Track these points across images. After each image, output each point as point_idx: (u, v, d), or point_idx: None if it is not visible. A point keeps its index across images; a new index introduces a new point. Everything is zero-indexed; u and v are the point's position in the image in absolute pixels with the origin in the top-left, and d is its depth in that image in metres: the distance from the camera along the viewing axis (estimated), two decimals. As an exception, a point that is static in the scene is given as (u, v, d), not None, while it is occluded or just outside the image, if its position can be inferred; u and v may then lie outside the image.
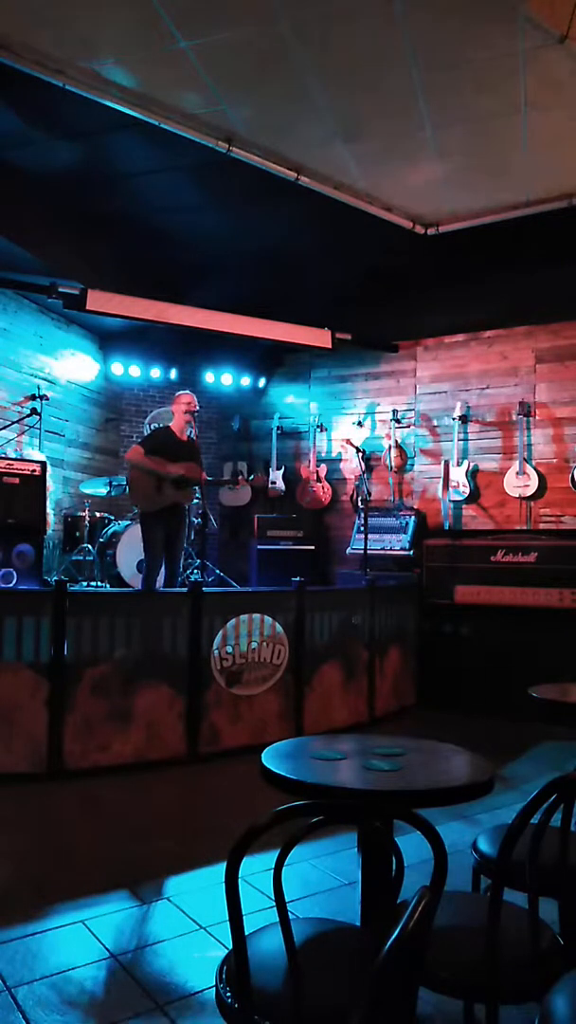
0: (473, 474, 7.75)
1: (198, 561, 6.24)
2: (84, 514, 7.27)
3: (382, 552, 7.46)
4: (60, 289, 6.57)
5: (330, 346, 7.75)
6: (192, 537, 7.43)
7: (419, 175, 5.60)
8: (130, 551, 7.03)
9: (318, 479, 8.53)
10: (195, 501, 6.22)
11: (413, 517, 7.67)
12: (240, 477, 6.43)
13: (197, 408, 6.11)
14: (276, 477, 8.65)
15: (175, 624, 4.80)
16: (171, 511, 5.92)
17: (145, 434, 8.65)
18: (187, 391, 6.23)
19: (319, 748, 2.27)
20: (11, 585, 6.12)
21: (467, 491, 7.69)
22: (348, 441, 8.13)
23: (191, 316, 7.25)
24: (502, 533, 6.85)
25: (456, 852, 2.44)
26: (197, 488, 6.01)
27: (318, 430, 8.65)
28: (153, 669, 4.69)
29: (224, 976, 1.57)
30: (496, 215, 6.07)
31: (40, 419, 7.25)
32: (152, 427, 8.76)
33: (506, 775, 4.58)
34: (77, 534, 7.29)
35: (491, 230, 6.23)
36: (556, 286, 7.29)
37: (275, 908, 1.41)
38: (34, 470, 6.48)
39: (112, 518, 7.56)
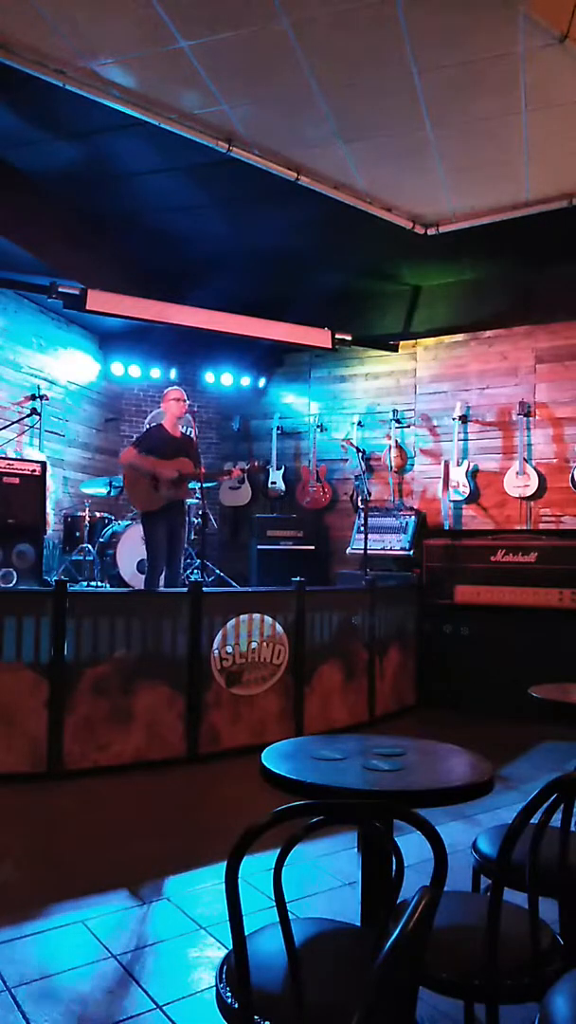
0: (473, 474, 7.75)
1: (198, 561, 6.25)
2: (84, 514, 7.27)
3: (382, 552, 7.46)
4: (60, 289, 6.56)
5: (330, 346, 7.75)
6: (192, 537, 7.43)
7: (419, 175, 5.60)
8: (130, 551, 7.03)
9: (318, 479, 8.53)
10: (195, 500, 6.23)
11: (413, 517, 7.67)
12: (236, 468, 6.42)
13: (187, 401, 6.16)
14: (276, 477, 8.65)
15: (175, 624, 4.80)
16: (171, 509, 5.94)
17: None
18: (175, 387, 6.24)
19: (319, 748, 2.27)
20: (11, 585, 6.12)
21: (467, 491, 7.69)
22: (348, 441, 8.13)
23: (191, 316, 7.24)
24: (502, 533, 6.85)
25: (456, 852, 2.44)
26: (196, 484, 6.02)
27: (318, 430, 8.65)
28: (153, 669, 4.69)
29: (224, 976, 1.57)
30: (496, 215, 6.07)
31: (40, 419, 7.26)
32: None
33: (506, 775, 4.58)
34: (77, 534, 7.29)
35: (491, 230, 6.23)
36: (556, 286, 7.29)
37: (275, 908, 1.41)
38: (34, 470, 6.48)
39: (112, 518, 7.56)
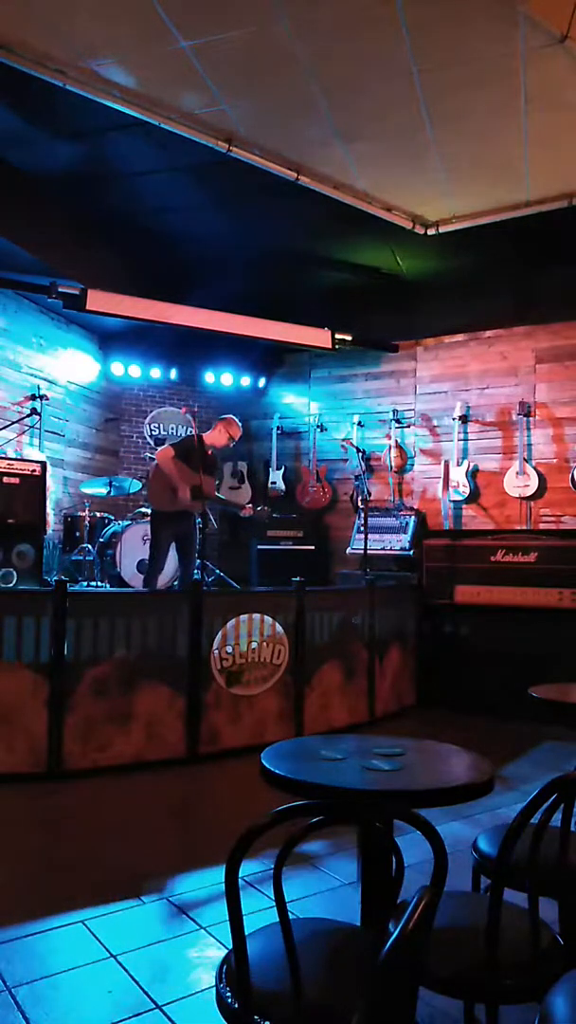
0: (473, 474, 7.76)
1: (198, 561, 6.27)
2: (84, 514, 7.26)
3: (382, 552, 7.46)
4: (60, 289, 6.57)
5: (330, 346, 7.75)
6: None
7: (419, 175, 5.60)
8: (130, 551, 7.03)
9: (318, 479, 8.53)
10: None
11: (413, 517, 7.67)
12: (248, 506, 6.43)
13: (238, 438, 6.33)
14: (276, 477, 8.65)
15: (175, 624, 4.80)
16: (181, 515, 6.02)
17: (147, 435, 8.70)
18: (237, 420, 6.33)
19: (319, 748, 2.27)
20: (11, 585, 6.12)
21: (467, 491, 7.69)
22: (348, 441, 8.13)
23: (191, 316, 7.25)
24: (502, 533, 6.85)
25: (456, 852, 2.44)
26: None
27: (318, 430, 8.65)
28: (153, 669, 4.69)
29: (224, 976, 1.57)
30: (496, 215, 6.07)
31: (40, 419, 7.26)
32: (152, 428, 8.77)
33: (506, 775, 4.58)
34: (77, 534, 7.29)
35: (491, 230, 6.23)
36: (556, 286, 7.29)
37: (275, 908, 1.41)
38: (34, 470, 6.48)
39: (112, 518, 7.56)
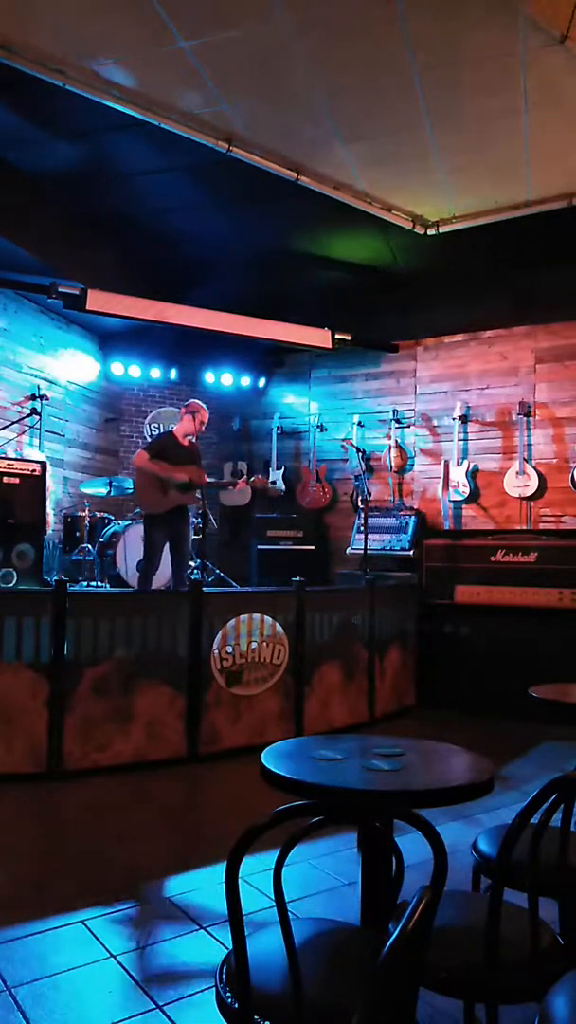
0: (473, 474, 7.75)
1: (198, 561, 6.26)
2: (84, 514, 7.27)
3: (382, 552, 7.46)
4: (60, 289, 6.57)
5: (330, 346, 7.75)
6: (192, 537, 7.44)
7: (419, 175, 5.60)
8: (130, 551, 7.03)
9: (318, 479, 8.53)
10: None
11: (413, 517, 7.66)
12: (242, 479, 6.43)
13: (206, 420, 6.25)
14: (276, 477, 8.65)
15: (175, 624, 4.80)
16: (175, 513, 6.00)
17: (147, 435, 8.71)
18: (203, 407, 6.24)
19: (319, 748, 2.27)
20: (11, 585, 6.12)
21: (467, 491, 7.69)
22: (348, 441, 8.12)
23: (191, 316, 7.25)
24: (502, 533, 6.85)
25: (456, 852, 2.44)
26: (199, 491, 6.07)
27: (318, 430, 8.65)
28: (153, 669, 4.69)
29: (224, 976, 1.57)
30: (496, 215, 6.07)
31: (40, 419, 7.26)
32: (152, 427, 8.78)
33: (506, 775, 4.58)
34: (77, 534, 7.29)
35: (491, 230, 6.23)
36: (556, 286, 7.29)
37: (275, 908, 1.41)
38: (34, 470, 6.48)
39: (112, 518, 7.56)
